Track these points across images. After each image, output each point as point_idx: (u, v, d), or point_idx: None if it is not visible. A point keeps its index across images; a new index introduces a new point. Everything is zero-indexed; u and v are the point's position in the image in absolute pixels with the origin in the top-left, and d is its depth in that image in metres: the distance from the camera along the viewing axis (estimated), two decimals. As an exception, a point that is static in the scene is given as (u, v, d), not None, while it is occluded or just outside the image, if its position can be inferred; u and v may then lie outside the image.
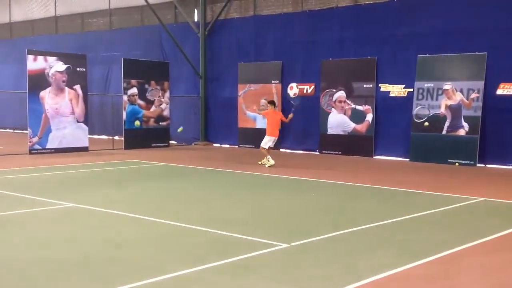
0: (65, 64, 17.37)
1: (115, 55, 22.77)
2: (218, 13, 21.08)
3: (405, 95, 16.72)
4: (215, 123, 21.60)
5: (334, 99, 18.12)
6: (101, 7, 25.31)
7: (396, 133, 16.82)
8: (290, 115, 14.94)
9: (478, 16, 15.47)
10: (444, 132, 15.82)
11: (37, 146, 16.83)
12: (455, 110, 15.66)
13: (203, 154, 18.17)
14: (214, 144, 21.54)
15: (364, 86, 17.52)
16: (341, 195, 10.62)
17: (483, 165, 15.24)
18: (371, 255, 6.16)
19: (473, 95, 15.34)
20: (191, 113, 21.73)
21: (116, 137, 20.00)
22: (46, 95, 16.95)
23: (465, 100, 15.49)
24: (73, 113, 17.60)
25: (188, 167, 14.49)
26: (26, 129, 17.05)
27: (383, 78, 17.19)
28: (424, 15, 16.42)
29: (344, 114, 17.92)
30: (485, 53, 15.22)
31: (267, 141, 14.58)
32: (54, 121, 17.12)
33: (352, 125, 17.77)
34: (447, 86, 15.80)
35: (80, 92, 17.73)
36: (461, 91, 15.58)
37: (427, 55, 16.24)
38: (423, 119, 16.10)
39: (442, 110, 15.87)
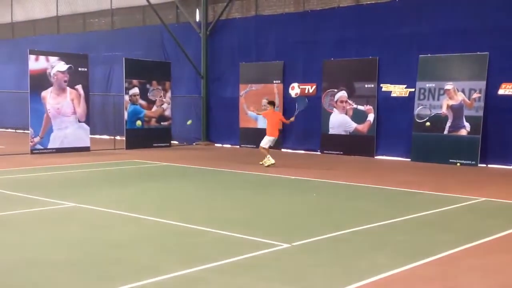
0: (67, 64, 17.38)
1: (117, 55, 22.78)
2: (219, 13, 21.08)
3: (407, 95, 16.71)
4: (217, 123, 21.60)
5: (335, 99, 18.11)
6: (103, 7, 25.33)
7: (398, 133, 16.81)
8: (292, 118, 14.94)
9: (479, 16, 15.46)
10: (445, 132, 15.81)
11: (38, 146, 16.85)
12: (456, 110, 15.65)
13: (205, 154, 18.17)
14: (216, 144, 21.54)
15: (366, 86, 17.51)
16: (342, 195, 10.62)
17: (484, 165, 15.22)
18: (372, 255, 6.16)
19: (475, 95, 15.33)
20: (192, 113, 21.72)
21: (118, 137, 20.01)
22: (48, 95, 16.97)
23: (466, 100, 15.48)
24: (74, 113, 17.61)
25: (190, 167, 14.49)
26: (28, 129, 17.06)
27: (385, 78, 17.18)
28: (426, 15, 16.41)
29: (346, 114, 17.91)
30: (487, 53, 15.21)
31: (267, 141, 14.60)
32: (55, 121, 17.14)
33: (353, 125, 17.77)
34: (449, 86, 15.79)
35: (81, 92, 17.75)
36: (463, 91, 15.57)
37: (429, 55, 16.23)
38: (425, 119, 16.09)
39: (444, 110, 15.86)
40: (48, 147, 17.01)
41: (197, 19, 21.98)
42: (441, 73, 15.97)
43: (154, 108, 19.92)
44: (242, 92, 20.53)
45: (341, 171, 14.13)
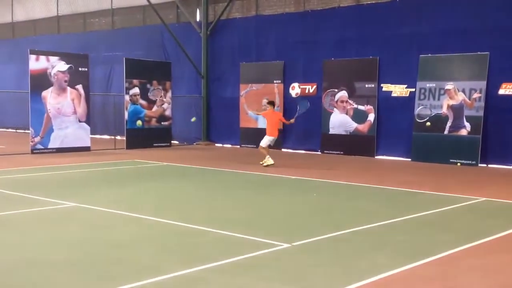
0: (67, 64, 17.39)
1: (117, 55, 22.78)
2: (220, 13, 21.08)
3: (407, 95, 16.71)
4: (217, 123, 21.61)
5: (336, 99, 18.11)
6: (103, 7, 25.33)
7: (398, 133, 16.81)
8: (292, 120, 14.95)
9: (480, 16, 15.46)
10: (446, 132, 15.81)
11: (39, 146, 16.85)
12: (457, 110, 15.65)
13: (205, 154, 18.18)
14: (216, 144, 21.54)
15: (366, 86, 17.51)
16: (342, 195, 10.62)
17: (485, 165, 15.22)
18: (372, 255, 6.16)
19: (475, 95, 15.33)
20: (193, 113, 21.72)
21: (118, 137, 20.02)
22: (48, 95, 16.98)
23: (467, 100, 15.48)
24: (75, 113, 17.62)
25: (190, 167, 14.49)
26: (28, 129, 17.07)
27: (385, 78, 17.18)
28: (426, 15, 16.41)
29: (346, 114, 17.91)
30: (487, 53, 15.21)
31: (267, 141, 14.62)
32: (56, 120, 17.15)
33: (354, 125, 17.77)
34: (449, 86, 15.79)
35: (82, 92, 17.76)
36: (463, 91, 15.56)
37: (429, 55, 16.23)
38: (425, 119, 16.08)
39: (444, 110, 15.86)
40: (49, 147, 17.02)
41: (198, 19, 21.98)
42: (441, 73, 15.97)
43: (155, 108, 19.92)
44: (242, 92, 20.53)
45: (342, 171, 14.13)
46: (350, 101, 17.84)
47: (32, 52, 16.96)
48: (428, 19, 16.36)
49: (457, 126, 15.61)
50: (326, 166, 15.17)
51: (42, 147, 16.88)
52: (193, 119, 18.63)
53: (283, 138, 18.95)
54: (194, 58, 21.28)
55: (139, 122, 19.45)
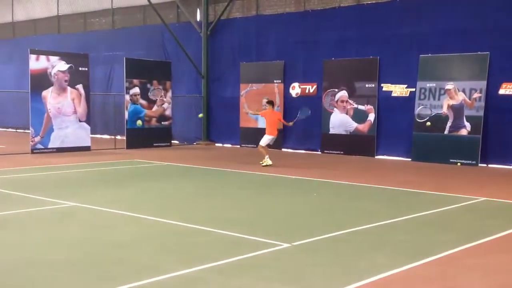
0: (68, 63, 17.39)
1: (117, 54, 22.79)
2: (220, 13, 21.08)
3: (407, 95, 16.71)
4: (217, 123, 21.60)
5: (336, 99, 18.11)
6: (103, 6, 25.33)
7: (398, 133, 16.81)
8: (290, 123, 14.96)
9: (480, 16, 15.45)
10: (446, 132, 15.80)
11: (39, 146, 16.85)
12: (457, 110, 15.65)
13: (205, 154, 18.18)
14: (216, 144, 21.54)
15: (366, 86, 17.50)
16: (342, 195, 10.62)
17: (485, 165, 15.22)
18: (372, 255, 6.16)
19: (475, 95, 15.32)
20: (193, 113, 21.74)
21: (118, 137, 20.03)
22: (48, 94, 16.98)
23: (467, 100, 15.48)
24: (75, 112, 17.62)
25: (190, 166, 14.49)
26: (28, 129, 17.07)
27: (385, 78, 17.17)
28: (426, 15, 16.40)
29: (346, 113, 17.91)
30: (487, 52, 15.21)
31: (266, 140, 14.64)
32: (56, 120, 17.15)
33: (354, 125, 17.76)
34: (449, 86, 15.78)
35: (82, 91, 17.76)
36: (463, 91, 15.56)
37: (429, 55, 16.22)
38: (425, 119, 16.08)
39: (444, 110, 15.85)
40: (49, 146, 17.02)
41: (198, 18, 21.97)
42: (441, 73, 15.97)
43: (155, 108, 19.92)
44: (242, 92, 20.53)
45: (342, 171, 14.13)
46: (350, 101, 17.83)
47: (32, 52, 16.96)
48: (428, 19, 16.35)
49: (457, 126, 15.61)
50: (326, 166, 15.17)
51: (42, 147, 16.88)
52: (200, 115, 18.94)
53: (283, 138, 18.96)
54: (194, 58, 21.28)
55: (139, 122, 19.45)
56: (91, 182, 11.70)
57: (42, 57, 16.98)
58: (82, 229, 7.32)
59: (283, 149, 19.17)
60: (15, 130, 27.25)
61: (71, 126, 17.53)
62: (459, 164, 15.32)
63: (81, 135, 17.82)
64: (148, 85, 19.69)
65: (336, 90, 18.10)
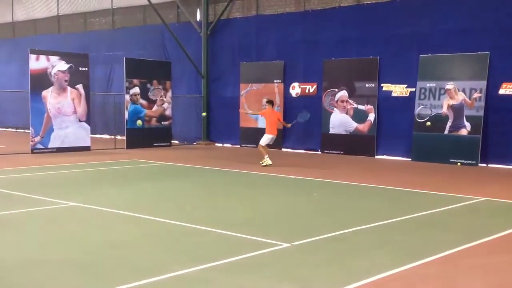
0: (68, 63, 17.39)
1: (117, 54, 22.79)
2: (220, 13, 21.08)
3: (407, 94, 16.71)
4: (217, 123, 21.61)
5: (336, 99, 18.11)
6: (103, 6, 25.33)
7: (398, 133, 16.81)
8: (289, 125, 15.00)
9: (480, 16, 15.45)
10: (446, 132, 15.80)
11: (39, 146, 16.85)
12: (457, 110, 15.65)
13: (205, 154, 18.18)
14: (216, 144, 21.54)
15: (366, 85, 17.50)
16: (342, 195, 10.62)
17: (485, 165, 15.22)
18: (371, 255, 6.16)
19: (475, 95, 15.32)
20: (193, 113, 21.74)
21: (118, 137, 20.03)
22: (48, 94, 16.98)
23: (467, 99, 15.48)
24: (75, 112, 17.62)
25: (190, 166, 14.49)
26: (28, 129, 17.07)
27: (385, 77, 17.17)
28: (427, 15, 16.40)
29: (346, 113, 17.91)
30: (487, 52, 15.20)
31: (266, 139, 14.64)
32: (56, 120, 17.15)
33: (354, 125, 17.76)
34: (449, 85, 15.78)
35: (82, 91, 17.75)
36: (463, 91, 15.56)
37: (429, 54, 16.22)
38: (425, 119, 16.08)
39: (444, 109, 15.85)
40: (49, 146, 17.02)
41: (198, 18, 21.98)
42: (441, 73, 15.97)
43: (155, 108, 19.92)
44: (242, 92, 20.52)
45: (342, 170, 14.13)
46: (350, 100, 17.83)
47: (33, 52, 16.96)
48: (428, 19, 16.35)
49: (457, 126, 15.61)
50: (326, 166, 15.17)
51: (42, 147, 16.88)
52: (204, 114, 19.03)
53: (283, 137, 18.96)
54: (194, 57, 21.28)
55: (139, 122, 19.45)
56: (91, 182, 11.70)
57: (42, 57, 16.98)
58: (82, 229, 7.32)
59: (283, 149, 19.18)
60: (15, 130, 27.26)
61: (71, 126, 17.52)
62: (459, 164, 15.32)
63: (81, 135, 17.81)
64: (148, 85, 19.69)
65: (336, 90, 18.10)
